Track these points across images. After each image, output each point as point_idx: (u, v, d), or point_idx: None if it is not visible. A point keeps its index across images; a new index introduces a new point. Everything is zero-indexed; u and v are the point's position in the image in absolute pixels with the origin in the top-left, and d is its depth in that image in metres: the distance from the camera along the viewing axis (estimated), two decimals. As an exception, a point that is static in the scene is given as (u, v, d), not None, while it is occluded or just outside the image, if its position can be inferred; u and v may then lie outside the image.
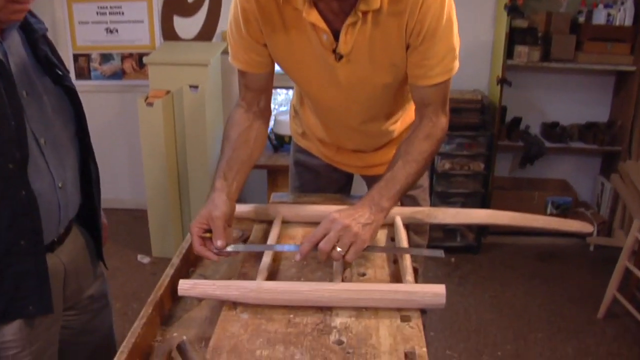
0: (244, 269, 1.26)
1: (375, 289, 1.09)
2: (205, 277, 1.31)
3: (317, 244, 1.13)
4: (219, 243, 1.17)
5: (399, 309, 1.09)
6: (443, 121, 1.35)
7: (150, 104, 3.09)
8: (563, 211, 3.52)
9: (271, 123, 2.15)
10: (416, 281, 1.45)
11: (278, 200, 1.63)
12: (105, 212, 1.55)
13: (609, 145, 3.40)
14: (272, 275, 1.22)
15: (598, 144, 3.40)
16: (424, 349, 0.99)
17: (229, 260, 1.38)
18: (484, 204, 3.45)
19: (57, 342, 1.37)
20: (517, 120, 3.56)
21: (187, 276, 1.33)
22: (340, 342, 1.00)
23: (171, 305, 1.20)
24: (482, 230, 3.48)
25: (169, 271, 1.24)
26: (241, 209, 1.48)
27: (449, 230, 3.52)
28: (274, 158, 3.28)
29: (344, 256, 1.12)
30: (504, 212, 1.47)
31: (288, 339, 1.01)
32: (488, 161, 3.36)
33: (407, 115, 1.57)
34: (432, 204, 3.67)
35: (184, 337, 0.97)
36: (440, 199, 3.46)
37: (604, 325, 2.76)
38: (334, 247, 1.12)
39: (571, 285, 3.13)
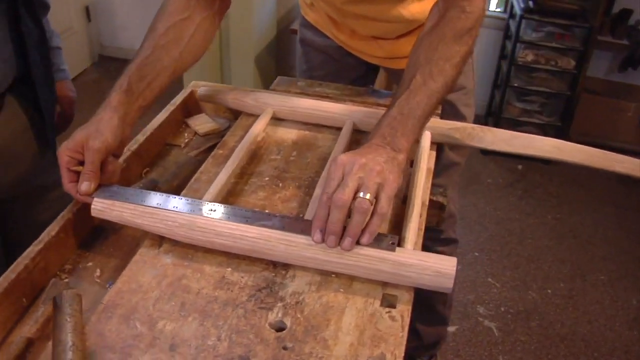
0: (197, 182, 0.93)
1: (352, 250, 0.73)
2: (156, 184, 1.01)
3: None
4: (83, 187, 0.81)
5: (384, 283, 0.75)
6: (479, 5, 0.91)
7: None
8: (662, 131, 2.95)
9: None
10: (441, 219, 1.10)
11: (283, 86, 1.26)
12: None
13: None
14: (228, 197, 0.89)
15: None
16: (401, 358, 0.65)
17: (196, 164, 1.06)
18: (568, 108, 2.93)
19: None
20: (626, 13, 2.88)
21: (137, 179, 1.02)
22: (279, 328, 0.68)
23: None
24: (565, 128, 2.97)
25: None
26: (222, 93, 1.14)
27: (525, 111, 3.02)
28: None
29: (374, 207, 0.73)
30: (578, 147, 1.05)
31: (209, 309, 0.70)
32: (581, 58, 2.78)
33: None
34: (505, 101, 3.22)
35: (64, 291, 0.68)
36: (515, 95, 2.95)
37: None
38: (355, 195, 0.72)
39: (652, 220, 2.66)
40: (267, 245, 0.75)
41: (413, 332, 1.67)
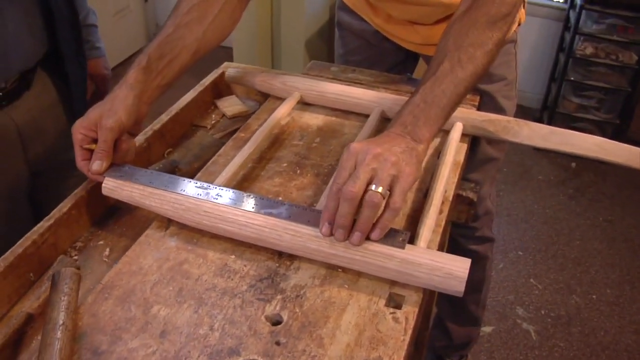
0: (214, 165, 0.91)
1: (361, 244, 0.69)
2: (176, 165, 0.99)
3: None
4: (95, 165, 0.79)
5: (392, 281, 0.71)
6: (515, 3, 0.84)
7: None
8: None
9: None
10: (470, 215, 1.05)
11: (316, 70, 1.23)
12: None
13: None
14: (243, 182, 0.87)
15: None
16: (401, 363, 0.62)
17: (221, 146, 1.05)
18: (628, 105, 2.77)
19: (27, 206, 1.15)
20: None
21: (159, 159, 1.01)
22: (275, 322, 0.65)
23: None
24: (624, 126, 2.81)
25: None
26: (251, 75, 1.11)
27: (581, 107, 2.88)
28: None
29: (387, 202, 0.68)
30: (624, 146, 0.98)
31: (206, 297, 0.68)
32: (644, 53, 2.62)
33: None
34: (561, 95, 3.06)
35: (63, 269, 0.67)
36: (572, 90, 2.81)
37: None
38: (367, 188, 0.68)
39: None
40: (272, 234, 0.72)
41: (443, 330, 1.62)
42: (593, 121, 2.86)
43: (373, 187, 0.67)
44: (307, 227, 0.71)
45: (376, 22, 1.23)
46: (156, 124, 1.01)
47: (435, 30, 1.16)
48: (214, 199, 0.75)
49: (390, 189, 0.68)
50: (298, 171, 0.91)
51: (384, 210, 0.67)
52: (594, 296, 2.08)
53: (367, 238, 0.69)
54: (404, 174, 0.69)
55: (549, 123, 2.35)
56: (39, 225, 0.77)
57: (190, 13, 0.92)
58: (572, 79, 2.78)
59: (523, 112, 3.03)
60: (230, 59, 3.27)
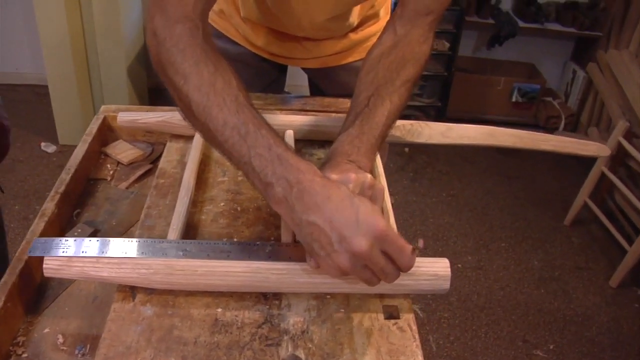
0: (149, 218, 0.86)
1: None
2: (95, 227, 0.91)
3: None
4: None
5: (380, 295, 0.73)
6: (433, 41, 0.95)
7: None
8: (530, 100, 3.20)
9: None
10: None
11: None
12: (2, 89, 1.09)
13: (589, 30, 3.02)
14: (190, 232, 0.83)
15: (577, 27, 3.01)
16: (423, 369, 0.65)
17: (131, 197, 0.99)
18: (445, 88, 3.08)
19: None
20: (487, -7, 3.10)
21: (64, 231, 0.91)
22: (295, 363, 0.65)
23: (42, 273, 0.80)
24: (442, 110, 3.12)
25: (38, 224, 0.83)
26: (144, 116, 1.06)
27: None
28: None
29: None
30: (508, 131, 1.11)
31: (215, 357, 0.64)
32: (454, 40, 2.94)
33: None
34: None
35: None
36: (397, 83, 3.06)
37: (570, 232, 2.55)
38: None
39: (534, 185, 2.88)
40: (257, 278, 0.70)
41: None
42: (418, 107, 3.14)
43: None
44: (292, 263, 0.71)
45: (256, 44, 1.24)
46: (60, 186, 0.92)
47: (323, 45, 1.21)
48: (182, 254, 0.72)
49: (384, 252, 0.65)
50: (238, 208, 0.89)
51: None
52: (459, 265, 2.30)
53: None
54: (378, 192, 0.74)
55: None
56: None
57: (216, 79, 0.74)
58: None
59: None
60: (41, 97, 3.02)
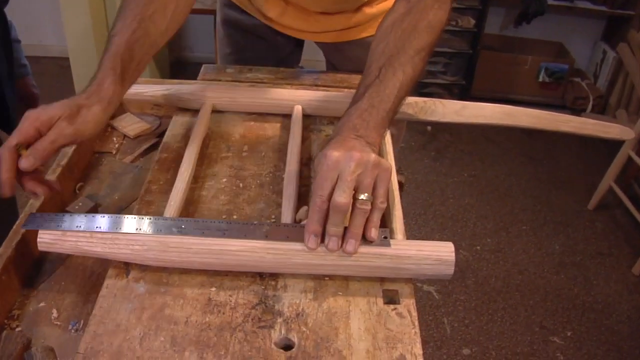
0: (149, 194, 0.84)
1: (356, 251, 0.68)
2: (96, 202, 0.90)
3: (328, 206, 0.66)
4: (26, 162, 0.68)
5: (381, 279, 0.71)
6: (450, 7, 0.88)
7: None
8: (557, 80, 3.11)
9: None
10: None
11: (212, 74, 1.17)
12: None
13: (621, 9, 2.91)
14: (189, 208, 0.81)
15: (608, 5, 2.91)
16: (420, 356, 0.62)
17: (135, 171, 0.97)
18: (470, 66, 3.01)
19: None
20: (516, -31, 3.00)
21: (66, 204, 0.90)
22: (287, 346, 0.62)
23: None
24: (466, 88, 3.05)
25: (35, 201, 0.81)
26: (151, 89, 1.04)
27: (429, 72, 3.07)
28: None
29: (373, 203, 0.67)
30: (527, 110, 1.06)
31: (205, 339, 0.62)
32: (480, 17, 2.86)
33: None
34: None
35: (32, 349, 0.58)
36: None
37: (594, 217, 2.48)
38: (354, 195, 0.67)
39: (559, 167, 2.81)
40: (253, 258, 0.68)
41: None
42: (441, 85, 3.07)
43: (362, 196, 0.66)
44: (289, 243, 0.68)
45: (269, 16, 1.20)
46: (62, 159, 0.91)
47: (336, 19, 1.17)
48: (178, 232, 0.70)
49: (374, 189, 0.67)
50: (240, 185, 0.87)
51: (371, 211, 0.67)
52: (478, 247, 2.26)
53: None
54: (385, 174, 0.69)
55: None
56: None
57: (153, 2, 0.82)
58: (418, 48, 2.95)
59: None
60: (65, 69, 3.03)
